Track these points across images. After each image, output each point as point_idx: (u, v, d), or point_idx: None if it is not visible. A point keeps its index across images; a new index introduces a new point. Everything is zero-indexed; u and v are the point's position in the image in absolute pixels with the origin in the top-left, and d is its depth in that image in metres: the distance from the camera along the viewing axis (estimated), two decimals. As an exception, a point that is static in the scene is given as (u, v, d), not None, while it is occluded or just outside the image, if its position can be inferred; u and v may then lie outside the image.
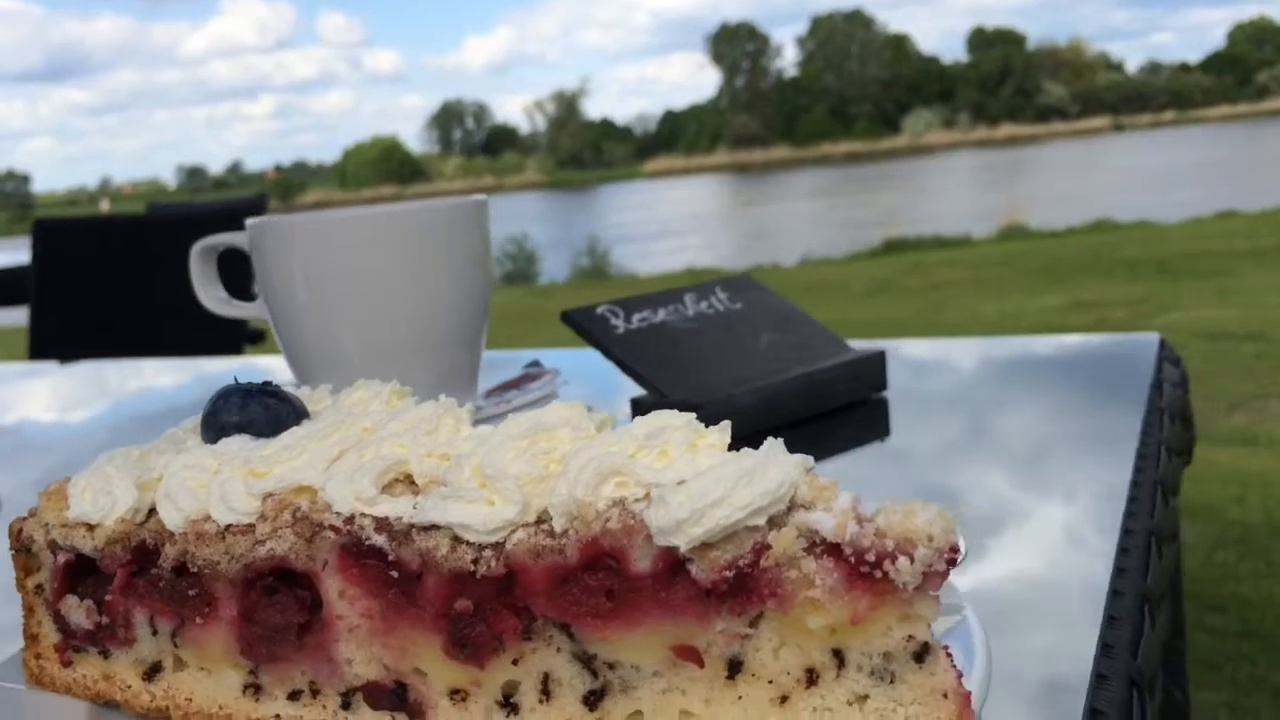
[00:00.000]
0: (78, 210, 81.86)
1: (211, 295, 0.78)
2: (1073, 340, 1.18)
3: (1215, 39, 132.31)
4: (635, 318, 0.80)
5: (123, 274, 3.08)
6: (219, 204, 2.58)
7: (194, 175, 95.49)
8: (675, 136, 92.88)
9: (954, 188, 43.32)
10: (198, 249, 0.75)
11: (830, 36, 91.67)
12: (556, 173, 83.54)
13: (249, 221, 0.75)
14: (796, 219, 39.69)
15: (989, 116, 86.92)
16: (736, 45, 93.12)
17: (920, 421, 0.86)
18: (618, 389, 0.84)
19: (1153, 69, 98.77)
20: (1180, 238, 16.73)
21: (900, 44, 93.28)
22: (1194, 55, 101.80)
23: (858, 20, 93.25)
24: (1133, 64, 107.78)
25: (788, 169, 74.67)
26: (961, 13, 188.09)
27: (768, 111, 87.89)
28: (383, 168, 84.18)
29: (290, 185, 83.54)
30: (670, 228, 39.51)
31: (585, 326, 0.78)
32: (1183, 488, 3.21)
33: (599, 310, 0.78)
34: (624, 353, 0.73)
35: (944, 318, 10.24)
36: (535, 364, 0.80)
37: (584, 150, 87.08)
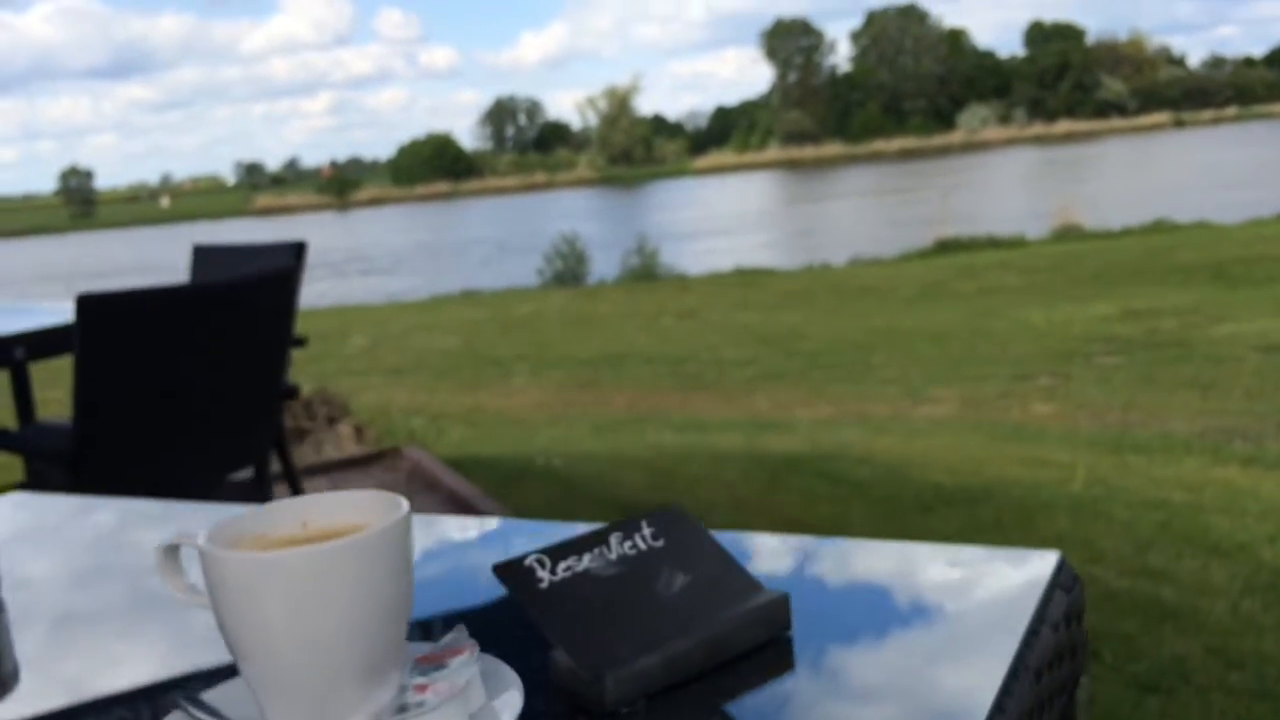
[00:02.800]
0: (138, 209, 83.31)
1: (177, 586, 0.79)
2: (969, 553, 1.12)
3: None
4: (560, 567, 0.84)
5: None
6: (258, 250, 2.65)
7: (252, 171, 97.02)
8: (727, 132, 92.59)
9: (1008, 186, 42.75)
10: (161, 549, 0.77)
11: (884, 32, 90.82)
12: (608, 169, 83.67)
13: (201, 545, 0.73)
14: (848, 217, 39.41)
15: (1046, 112, 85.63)
16: (790, 41, 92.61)
17: (821, 662, 0.89)
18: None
19: (1215, 64, 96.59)
20: (1239, 240, 16.40)
21: (956, 39, 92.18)
22: (1259, 49, 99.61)
23: (912, 15, 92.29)
24: (1195, 58, 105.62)
25: (840, 166, 74.13)
26: (1019, 6, 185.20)
27: (820, 108, 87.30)
28: (436, 164, 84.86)
29: (346, 182, 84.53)
30: (721, 225, 39.41)
31: (511, 583, 0.84)
32: (1218, 524, 3.14)
33: (527, 562, 0.83)
34: (541, 614, 0.80)
35: (992, 325, 10.15)
36: (460, 628, 0.82)
37: (635, 146, 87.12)
